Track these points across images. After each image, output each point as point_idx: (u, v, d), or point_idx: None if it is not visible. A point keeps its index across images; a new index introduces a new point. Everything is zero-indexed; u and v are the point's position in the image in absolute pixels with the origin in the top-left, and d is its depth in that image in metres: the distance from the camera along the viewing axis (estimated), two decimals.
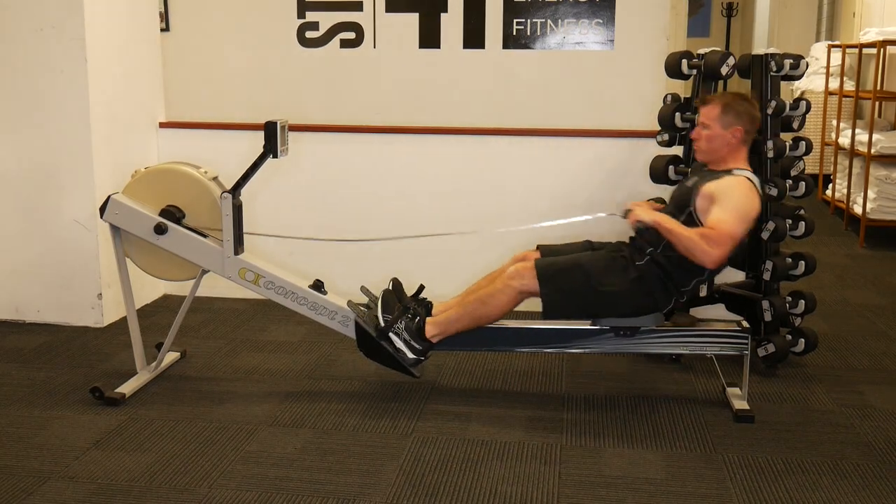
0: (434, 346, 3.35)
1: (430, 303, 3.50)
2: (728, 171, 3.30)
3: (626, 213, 3.33)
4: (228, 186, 3.39)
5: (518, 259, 3.50)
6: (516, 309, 4.32)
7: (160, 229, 3.37)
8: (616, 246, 3.44)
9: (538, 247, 3.53)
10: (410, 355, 3.33)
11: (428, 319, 3.35)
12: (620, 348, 3.40)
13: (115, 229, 3.45)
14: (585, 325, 3.38)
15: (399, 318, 3.32)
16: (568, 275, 3.25)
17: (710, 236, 3.10)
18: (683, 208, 3.29)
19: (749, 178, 3.27)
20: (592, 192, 4.46)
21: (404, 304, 3.39)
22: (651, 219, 3.22)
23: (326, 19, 4.81)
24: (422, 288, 3.45)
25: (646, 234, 3.29)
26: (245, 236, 3.46)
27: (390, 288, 3.44)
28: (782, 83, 3.96)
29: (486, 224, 4.53)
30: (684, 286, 3.28)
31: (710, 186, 3.23)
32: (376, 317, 3.35)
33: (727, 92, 3.38)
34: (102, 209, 3.42)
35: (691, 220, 3.24)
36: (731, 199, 3.18)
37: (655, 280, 3.24)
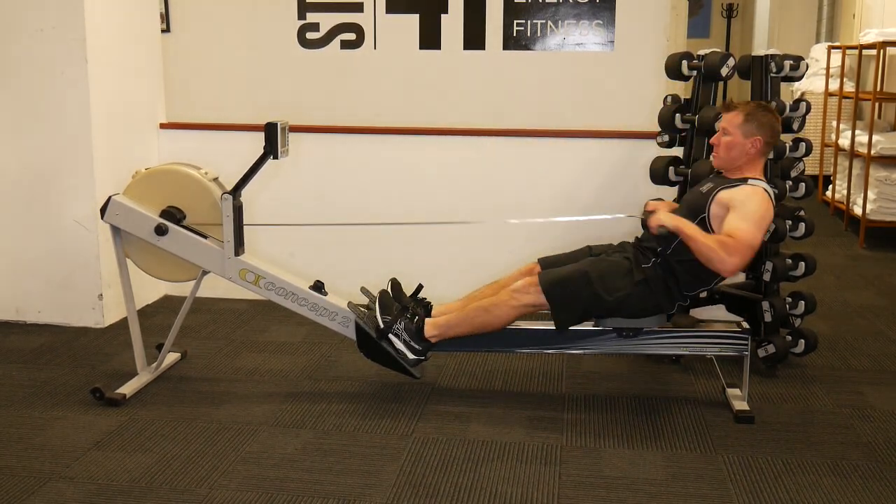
0: (433, 346, 3.35)
1: (430, 303, 3.51)
2: (744, 180, 3.26)
3: (647, 215, 3.30)
4: (229, 187, 3.40)
5: (524, 273, 3.48)
6: None
7: (161, 230, 3.37)
8: (620, 247, 3.44)
9: (539, 260, 3.51)
10: (411, 356, 3.33)
11: (427, 321, 3.35)
12: (621, 349, 3.40)
13: (116, 230, 3.45)
14: (586, 326, 3.39)
15: (398, 318, 3.33)
16: (572, 286, 3.23)
17: (729, 245, 3.07)
18: (697, 214, 3.26)
19: (766, 189, 3.24)
20: (592, 193, 4.46)
21: (403, 305, 3.39)
22: (674, 224, 3.18)
23: (327, 20, 4.82)
24: (420, 287, 3.45)
25: (659, 237, 3.26)
26: (245, 237, 3.46)
27: (388, 289, 3.45)
28: (782, 84, 3.96)
29: (489, 226, 4.54)
30: (689, 291, 3.28)
31: (726, 194, 3.21)
32: (375, 318, 3.35)
33: (752, 101, 3.31)
34: (103, 210, 3.42)
35: (703, 227, 3.22)
36: (749, 208, 3.14)
37: (660, 284, 3.23)
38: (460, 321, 3.32)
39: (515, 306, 3.26)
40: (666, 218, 3.23)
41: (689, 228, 3.18)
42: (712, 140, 3.36)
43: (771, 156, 3.61)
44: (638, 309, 3.26)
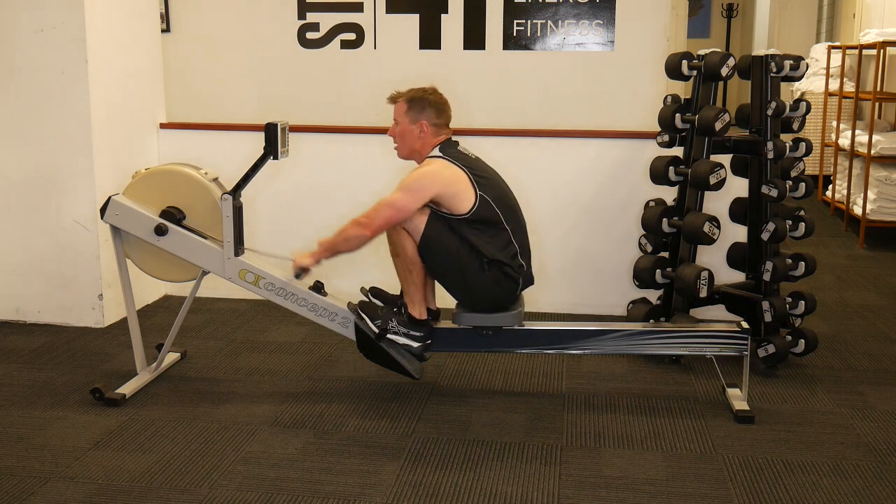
0: (428, 324, 3.36)
1: None
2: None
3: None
4: (229, 188, 3.40)
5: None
6: None
7: (160, 230, 3.37)
8: None
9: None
10: (415, 344, 3.34)
11: (406, 303, 3.37)
12: (621, 349, 3.40)
13: (116, 230, 3.45)
14: (586, 327, 3.39)
15: (388, 318, 3.34)
16: (449, 243, 3.24)
17: (364, 213, 3.22)
18: None
19: (433, 156, 3.29)
20: (593, 193, 4.46)
21: (392, 301, 3.39)
22: (311, 258, 3.33)
23: (327, 20, 4.83)
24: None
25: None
26: (246, 237, 3.47)
27: (367, 299, 3.44)
28: (782, 84, 3.96)
29: None
30: (501, 258, 3.24)
31: None
32: (369, 326, 3.35)
33: (414, 87, 3.38)
34: (103, 210, 3.42)
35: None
36: (403, 181, 3.26)
37: (490, 268, 3.24)
38: (402, 280, 3.33)
39: (400, 231, 3.24)
40: (302, 260, 3.35)
41: (322, 246, 3.32)
42: (389, 133, 3.42)
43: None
44: (485, 293, 3.27)
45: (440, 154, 3.31)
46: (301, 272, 3.37)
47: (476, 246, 3.24)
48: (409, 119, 3.33)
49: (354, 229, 3.24)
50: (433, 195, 3.21)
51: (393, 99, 3.41)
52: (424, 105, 3.33)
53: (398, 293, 3.43)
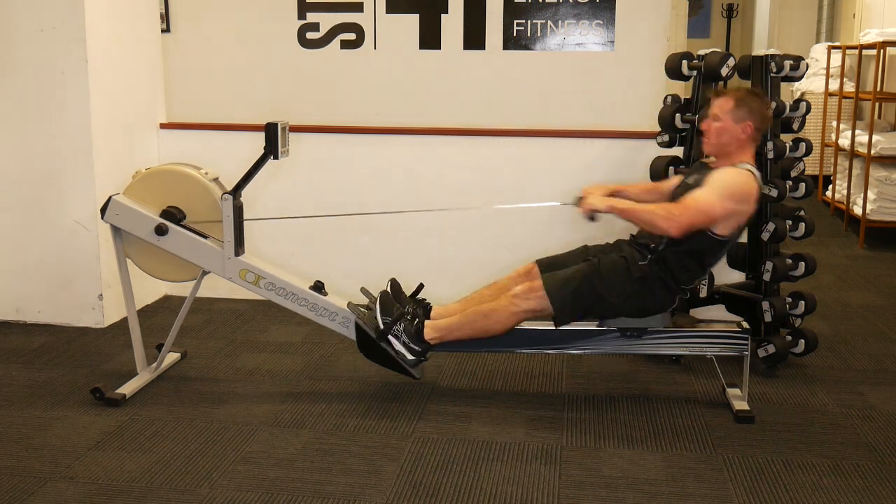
0: (432, 348, 3.35)
1: (429, 304, 3.50)
2: (732, 166, 3.24)
3: (579, 202, 3.29)
4: (229, 187, 3.40)
5: (522, 275, 3.46)
6: None
7: (161, 230, 3.37)
8: (615, 245, 3.43)
9: (536, 262, 3.48)
10: (410, 357, 3.33)
11: (427, 323, 3.34)
12: (621, 349, 3.40)
13: (116, 230, 3.45)
14: (587, 327, 3.39)
15: (398, 320, 3.33)
16: (576, 288, 3.22)
17: (671, 208, 3.12)
18: None
19: (749, 170, 3.20)
20: None
21: (403, 306, 3.38)
22: (605, 205, 3.21)
23: (327, 20, 4.82)
24: (421, 287, 3.45)
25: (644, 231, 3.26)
26: (245, 237, 3.47)
27: (388, 289, 3.44)
28: (782, 84, 3.96)
29: (488, 225, 4.55)
30: (686, 284, 3.26)
31: (708, 177, 3.21)
32: (375, 318, 3.35)
33: (741, 87, 3.31)
34: (103, 210, 3.42)
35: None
36: (717, 180, 3.14)
37: (657, 280, 3.22)
38: (461, 325, 3.31)
39: (515, 312, 3.25)
40: (596, 201, 3.24)
41: (622, 204, 3.22)
42: (703, 126, 3.32)
43: (772, 151, 3.60)
44: (639, 308, 3.26)
45: (754, 170, 3.20)
46: (593, 215, 3.23)
47: (665, 261, 3.19)
48: (733, 117, 3.21)
49: (664, 221, 3.08)
50: (735, 213, 3.12)
51: (718, 94, 3.30)
52: (753, 109, 3.22)
53: (413, 293, 3.43)
